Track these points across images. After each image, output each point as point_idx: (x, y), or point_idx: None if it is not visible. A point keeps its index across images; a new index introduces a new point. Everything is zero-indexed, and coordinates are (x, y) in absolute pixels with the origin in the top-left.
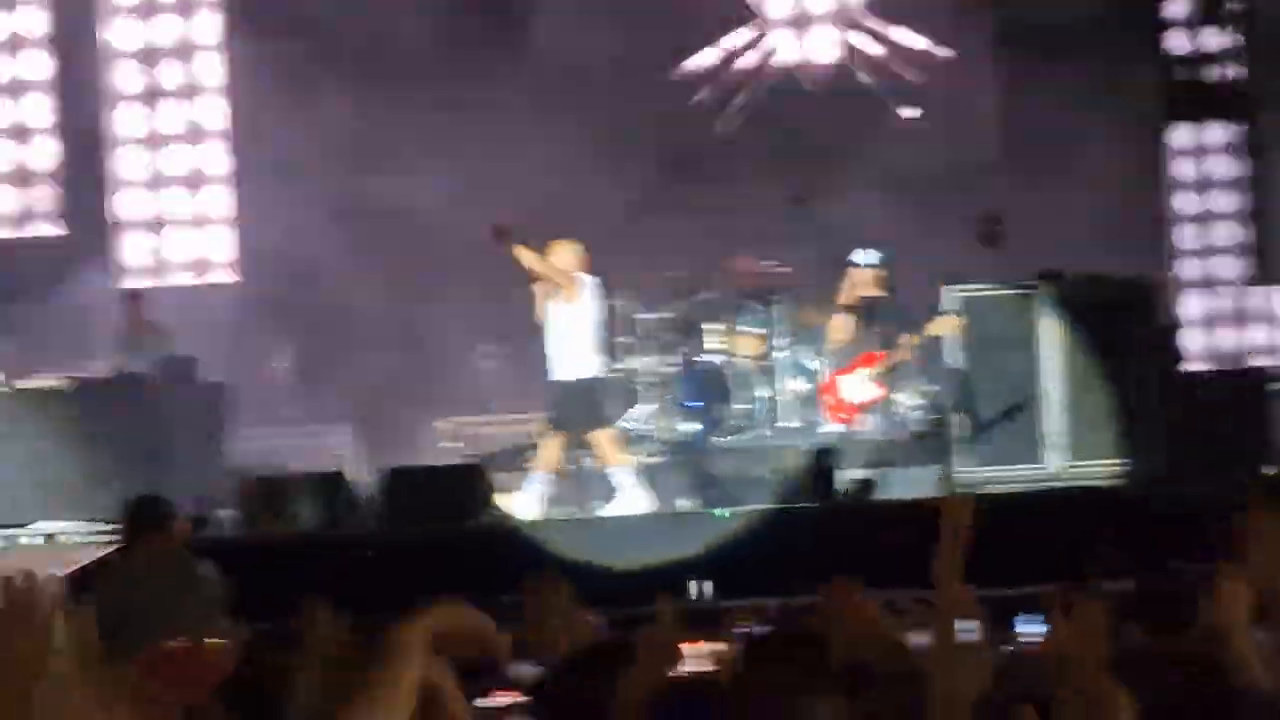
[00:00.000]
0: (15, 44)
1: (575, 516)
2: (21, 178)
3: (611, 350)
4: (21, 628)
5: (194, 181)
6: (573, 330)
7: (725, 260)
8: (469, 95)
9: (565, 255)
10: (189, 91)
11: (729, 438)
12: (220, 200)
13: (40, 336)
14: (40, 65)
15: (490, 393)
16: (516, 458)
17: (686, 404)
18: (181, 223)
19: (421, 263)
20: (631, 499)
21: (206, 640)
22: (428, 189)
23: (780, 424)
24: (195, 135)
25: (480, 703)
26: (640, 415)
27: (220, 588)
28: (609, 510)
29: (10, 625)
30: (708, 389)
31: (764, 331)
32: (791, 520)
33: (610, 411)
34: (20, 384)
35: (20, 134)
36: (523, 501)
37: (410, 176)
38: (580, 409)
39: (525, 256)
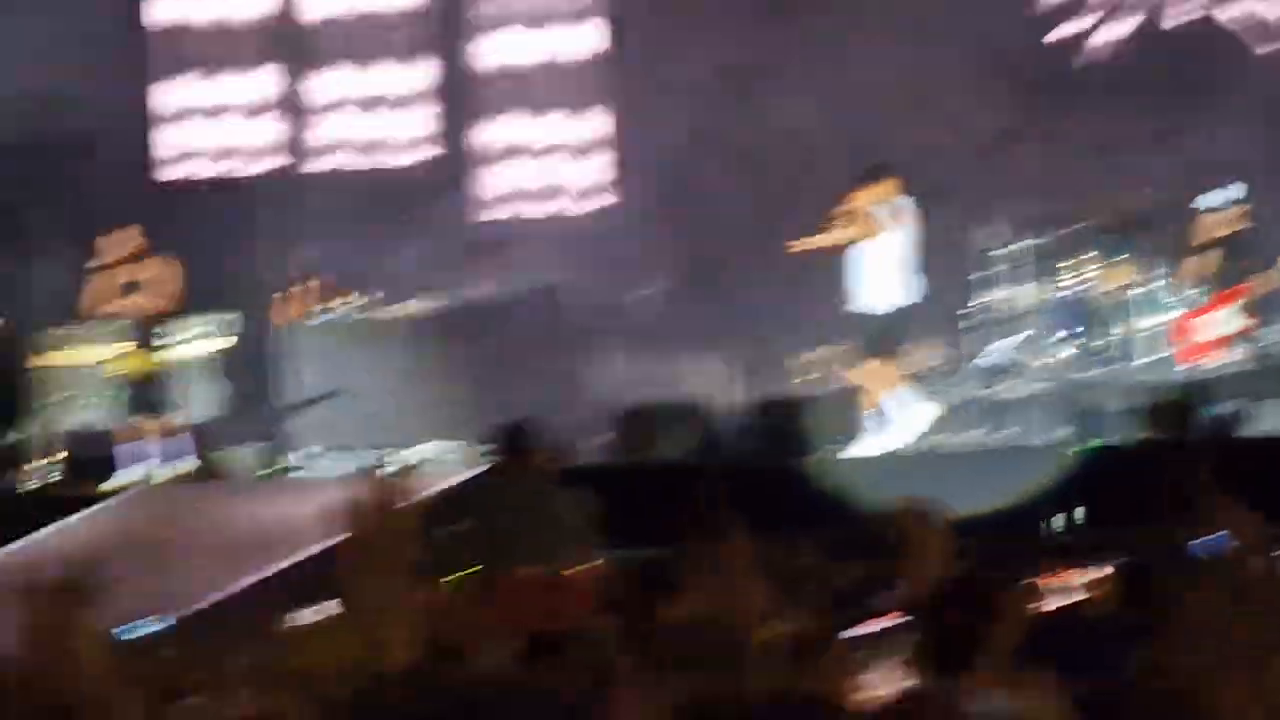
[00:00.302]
0: None
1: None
2: (393, 105)
3: (983, 281)
4: (382, 521)
5: (569, 105)
6: (882, 259)
7: (1094, 192)
8: (836, 20)
9: (879, 186)
10: (567, 15)
11: (1095, 370)
12: (595, 124)
13: (407, 264)
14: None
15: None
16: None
17: (1056, 335)
18: (555, 147)
19: (793, 191)
20: (902, 433)
21: (574, 566)
22: (801, 114)
23: (1145, 358)
24: (571, 58)
25: (858, 629)
26: (1008, 346)
27: (588, 514)
28: (878, 443)
29: (374, 517)
30: (1076, 320)
31: (1131, 264)
32: (1157, 453)
33: (905, 341)
34: (389, 311)
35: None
36: (878, 431)
37: (784, 100)
38: (885, 337)
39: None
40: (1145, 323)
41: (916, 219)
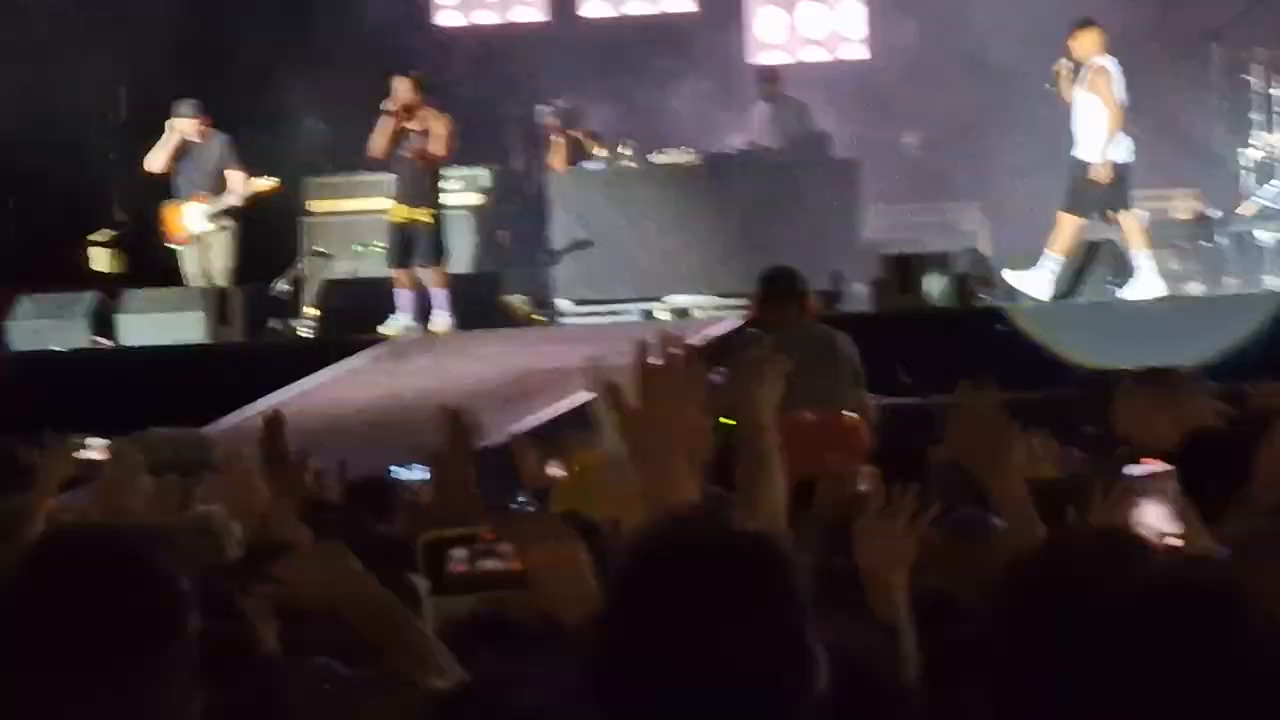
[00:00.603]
0: None
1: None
2: None
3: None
4: (677, 390)
5: None
6: (1093, 113)
7: None
8: None
9: (1085, 40)
10: None
11: None
12: None
13: (672, 112)
14: None
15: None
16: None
17: None
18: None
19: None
20: (1148, 285)
21: (844, 412)
22: None
23: None
24: None
25: (1130, 469)
26: (1272, 191)
27: (856, 361)
28: (1124, 294)
29: (666, 386)
30: None
31: None
32: None
33: (1130, 194)
34: (652, 159)
35: None
36: (1032, 281)
37: None
38: (1104, 190)
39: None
40: None
41: (1117, 73)
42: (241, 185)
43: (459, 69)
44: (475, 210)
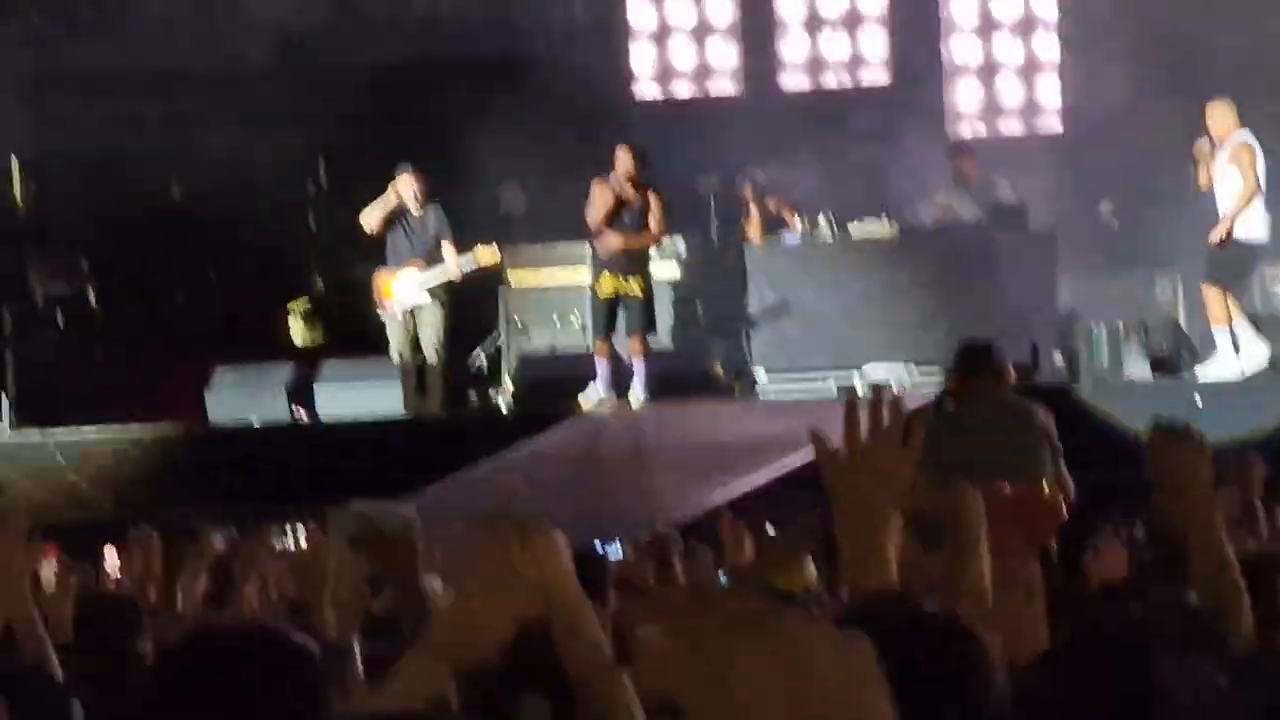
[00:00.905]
0: None
1: None
2: (853, 22)
3: None
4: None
5: (1024, 27)
6: (1225, 190)
7: None
8: None
9: (1221, 115)
10: None
11: None
12: (1049, 47)
13: (869, 184)
14: None
15: None
16: None
17: None
18: (1010, 69)
19: None
20: (1222, 366)
21: (1043, 485)
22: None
23: None
24: None
25: None
26: None
27: (1051, 429)
28: (1204, 372)
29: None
30: None
31: None
32: None
33: (1250, 280)
34: (849, 231)
35: None
36: (1218, 367)
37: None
38: (1228, 268)
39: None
40: None
41: (1233, 154)
42: (457, 257)
43: (658, 139)
44: (673, 282)
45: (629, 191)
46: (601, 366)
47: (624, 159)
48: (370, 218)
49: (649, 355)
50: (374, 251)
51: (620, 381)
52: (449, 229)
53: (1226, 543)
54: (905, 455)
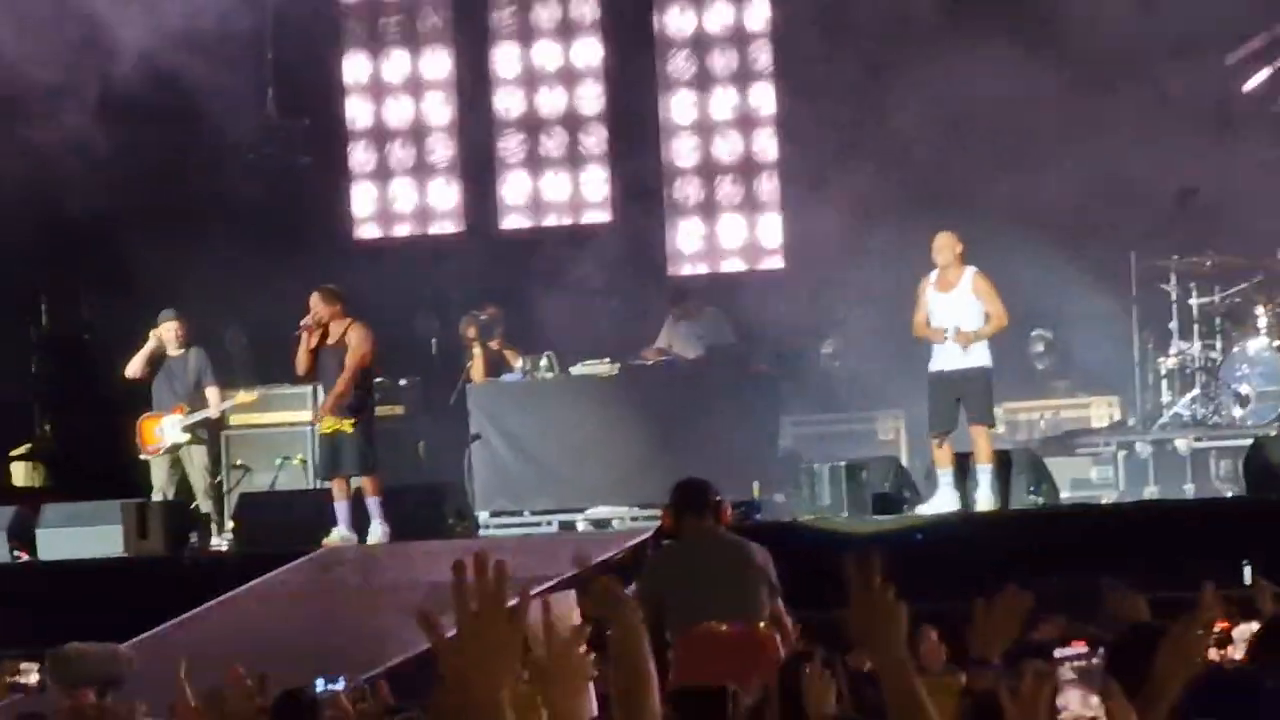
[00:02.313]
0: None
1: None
2: (573, 163)
3: (1165, 333)
4: (492, 625)
5: (745, 168)
6: (959, 321)
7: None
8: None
9: (942, 244)
10: (740, 78)
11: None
12: (770, 187)
13: (591, 323)
14: (593, 53)
15: (1043, 377)
16: (1076, 438)
17: (1237, 388)
18: (730, 209)
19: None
20: (949, 499)
21: (760, 624)
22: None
23: None
24: (745, 123)
25: (1059, 651)
26: (1188, 400)
27: (772, 572)
28: (928, 508)
29: (482, 622)
30: (1257, 373)
31: None
32: None
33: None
34: (572, 370)
35: (574, 122)
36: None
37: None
38: (972, 400)
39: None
40: None
41: (978, 285)
42: (218, 398)
43: (379, 281)
44: (396, 420)
45: (325, 332)
46: (338, 506)
47: (315, 301)
48: (132, 368)
49: (381, 492)
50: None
51: (358, 520)
52: (210, 371)
53: (917, 686)
54: (515, 628)
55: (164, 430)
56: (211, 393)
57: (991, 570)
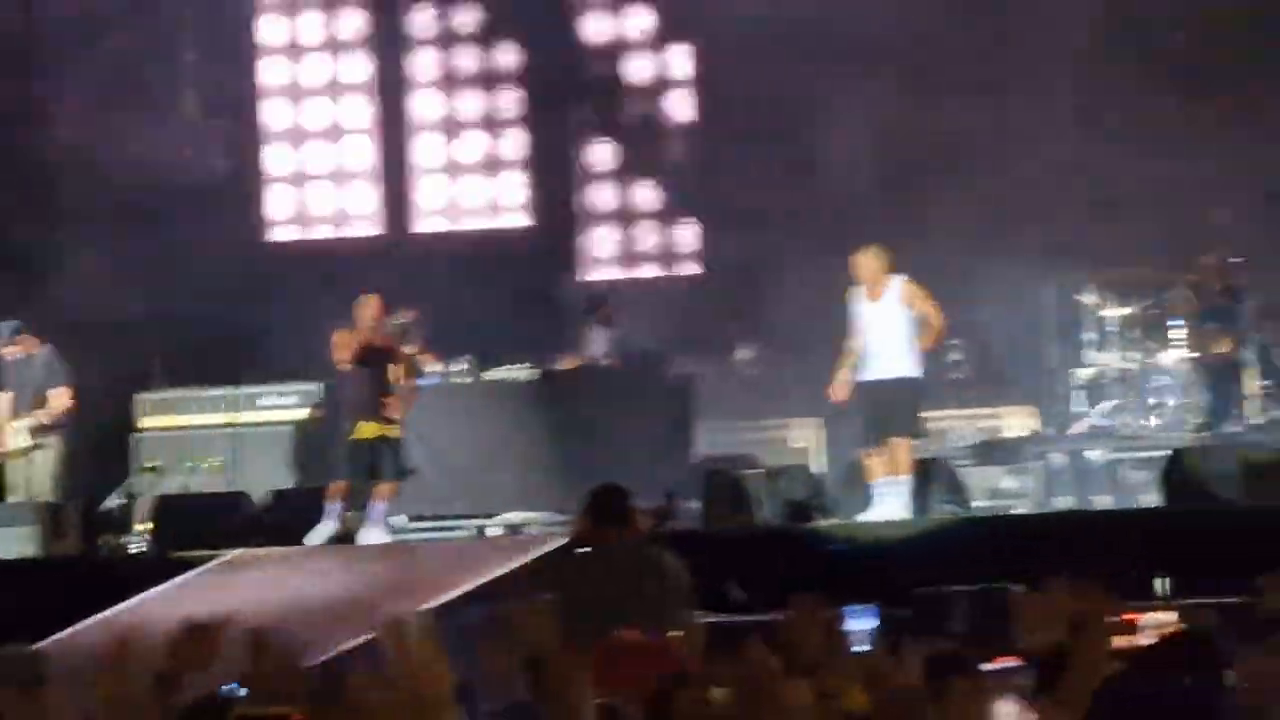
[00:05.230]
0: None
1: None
2: (491, 168)
3: (1081, 345)
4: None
5: (660, 174)
6: (886, 331)
7: (1194, 258)
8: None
9: (868, 262)
10: (656, 89)
11: (1198, 434)
12: (685, 193)
13: (508, 327)
14: (511, 56)
15: (958, 386)
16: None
17: (1152, 400)
18: (647, 215)
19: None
20: (893, 509)
21: (669, 632)
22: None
23: (1250, 421)
24: (662, 130)
25: (986, 666)
26: (1104, 410)
27: (684, 580)
28: (867, 517)
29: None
30: (1175, 386)
31: (1232, 329)
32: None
33: (920, 419)
34: (487, 375)
35: (491, 126)
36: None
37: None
38: (895, 412)
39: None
40: (1254, 384)
41: (907, 292)
42: (57, 402)
43: (295, 284)
44: (306, 423)
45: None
46: (335, 507)
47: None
48: None
49: (278, 499)
50: None
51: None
52: (61, 373)
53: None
54: (442, 672)
55: (10, 433)
56: (55, 394)
57: (905, 579)
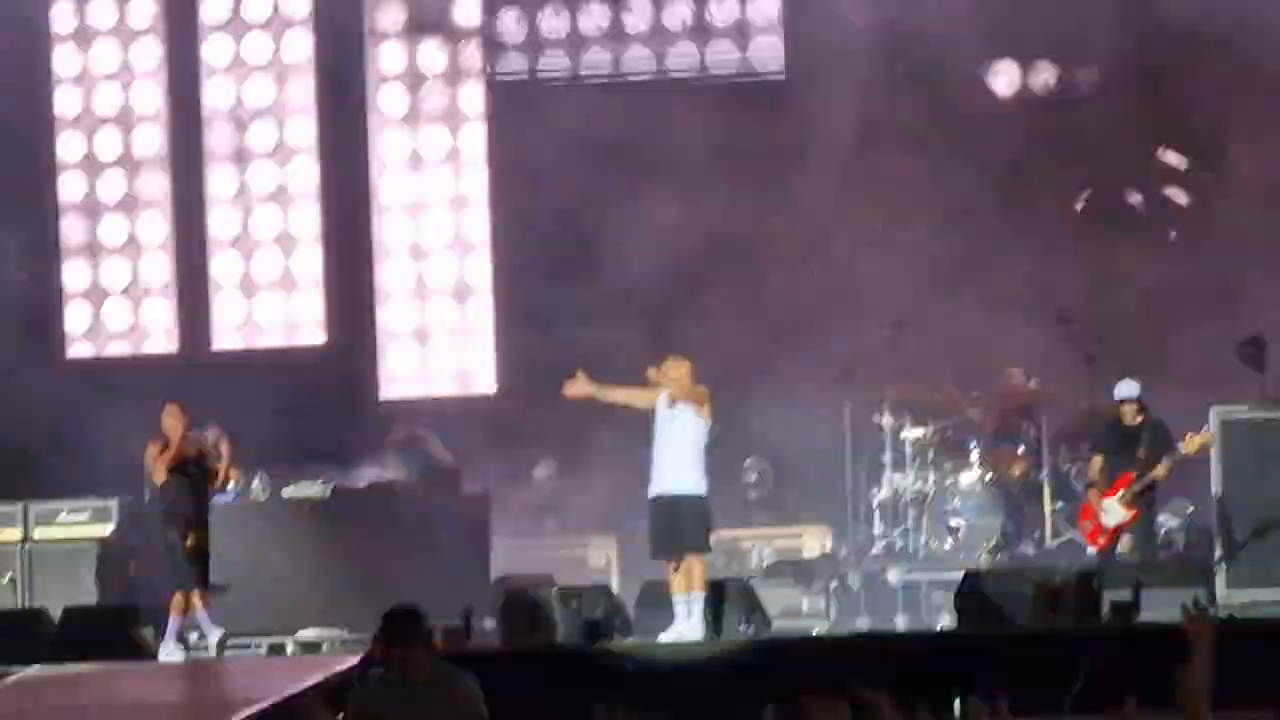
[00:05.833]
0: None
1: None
2: (288, 286)
3: (878, 466)
4: None
5: (458, 293)
6: (676, 441)
7: (991, 379)
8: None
9: (680, 369)
10: (456, 203)
11: (993, 556)
12: (482, 310)
13: (304, 444)
14: (310, 175)
15: (755, 506)
16: (787, 569)
17: (948, 521)
18: (443, 333)
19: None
20: (692, 628)
21: None
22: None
23: (1046, 544)
24: (461, 247)
25: None
26: (899, 531)
27: (480, 700)
28: (667, 637)
29: None
30: (972, 507)
31: (1028, 451)
32: (1056, 641)
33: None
34: (284, 493)
35: (288, 242)
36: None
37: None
38: (684, 525)
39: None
40: (1050, 507)
41: (705, 407)
42: None
43: (92, 401)
44: (104, 541)
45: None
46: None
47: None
48: None
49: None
50: None
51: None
52: None
53: None
54: None
55: None
56: None
57: (704, 700)
